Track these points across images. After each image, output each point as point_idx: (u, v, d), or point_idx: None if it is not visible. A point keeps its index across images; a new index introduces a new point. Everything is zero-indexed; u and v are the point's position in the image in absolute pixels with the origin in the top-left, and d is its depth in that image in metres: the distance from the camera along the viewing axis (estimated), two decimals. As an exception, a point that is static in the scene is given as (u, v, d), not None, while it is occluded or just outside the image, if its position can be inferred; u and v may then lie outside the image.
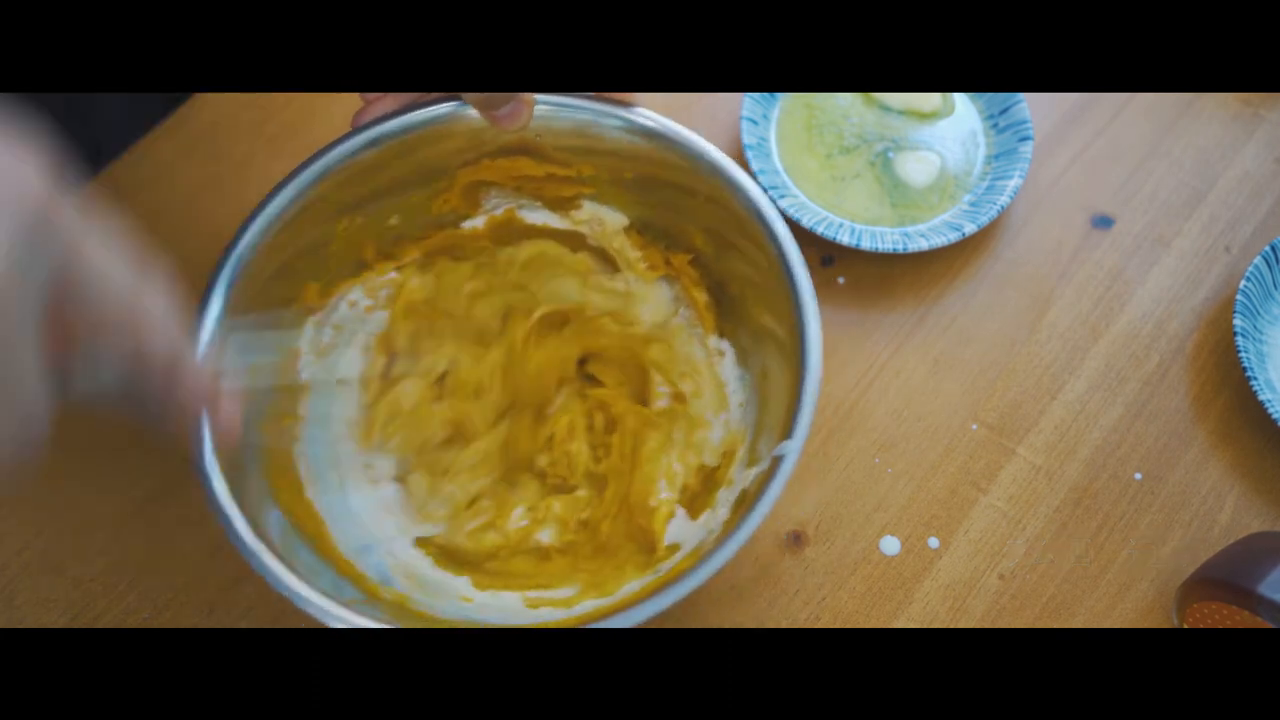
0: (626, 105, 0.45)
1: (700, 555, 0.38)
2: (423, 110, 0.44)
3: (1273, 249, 0.54)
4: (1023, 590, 0.49)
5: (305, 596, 0.36)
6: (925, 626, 0.48)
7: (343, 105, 0.59)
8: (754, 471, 0.41)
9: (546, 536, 0.48)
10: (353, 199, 0.46)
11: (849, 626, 0.48)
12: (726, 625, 0.48)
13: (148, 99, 0.59)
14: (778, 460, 0.39)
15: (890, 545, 0.50)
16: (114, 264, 0.28)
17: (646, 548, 0.46)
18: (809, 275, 0.42)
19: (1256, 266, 0.54)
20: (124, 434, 0.49)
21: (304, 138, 0.58)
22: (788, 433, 0.39)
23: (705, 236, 0.48)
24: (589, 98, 0.45)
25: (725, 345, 0.49)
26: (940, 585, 0.49)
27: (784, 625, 0.48)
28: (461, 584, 0.46)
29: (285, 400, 0.46)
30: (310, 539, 0.42)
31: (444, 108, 0.45)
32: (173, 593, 0.48)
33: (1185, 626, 0.47)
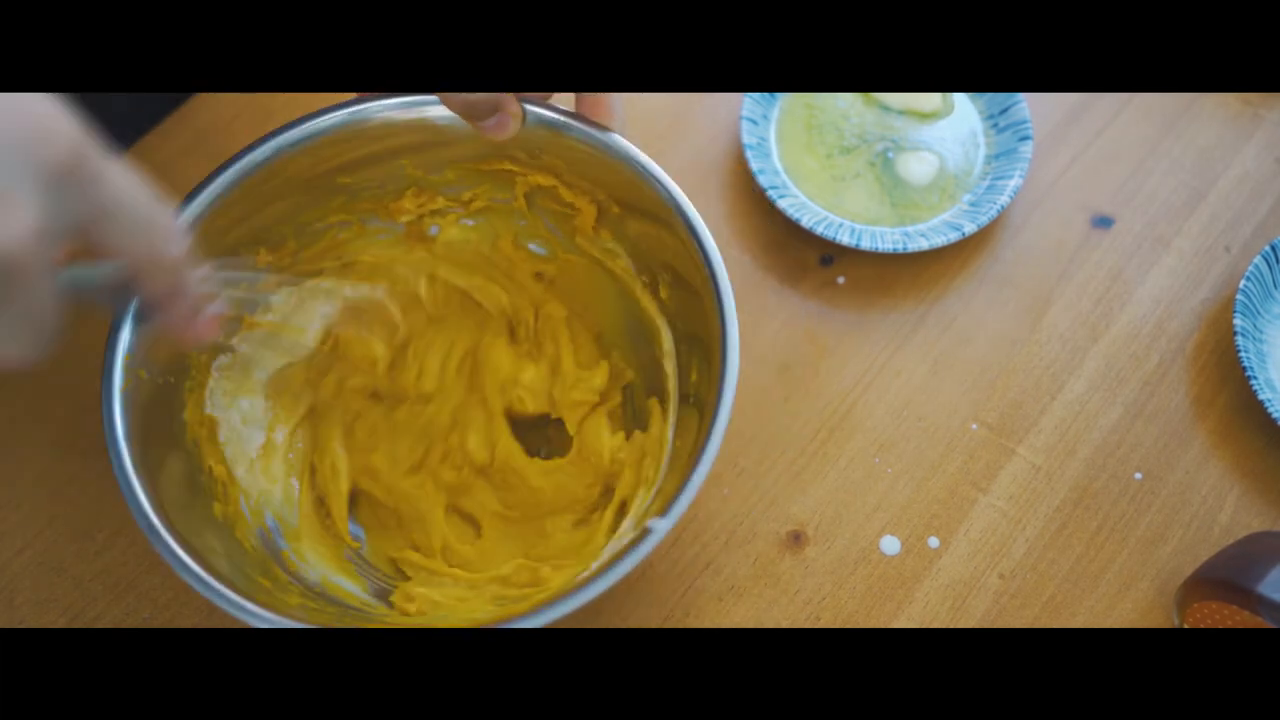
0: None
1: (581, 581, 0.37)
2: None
3: (1273, 249, 0.54)
4: (1023, 590, 0.49)
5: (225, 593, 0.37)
6: (925, 626, 0.48)
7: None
8: (626, 537, 0.42)
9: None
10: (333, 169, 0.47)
11: (849, 626, 0.48)
12: (726, 625, 0.48)
13: (148, 99, 0.59)
14: (645, 533, 0.37)
15: (890, 545, 0.50)
16: (136, 189, 0.30)
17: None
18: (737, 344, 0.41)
19: (1256, 266, 0.54)
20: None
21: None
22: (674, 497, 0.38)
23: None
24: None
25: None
26: (940, 585, 0.49)
27: (784, 625, 0.48)
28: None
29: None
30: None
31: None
32: (173, 593, 0.48)
33: (1185, 626, 0.47)
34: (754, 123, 0.58)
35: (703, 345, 0.44)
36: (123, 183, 0.29)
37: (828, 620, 0.48)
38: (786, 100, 0.60)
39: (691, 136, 0.61)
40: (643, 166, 0.44)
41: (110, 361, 0.40)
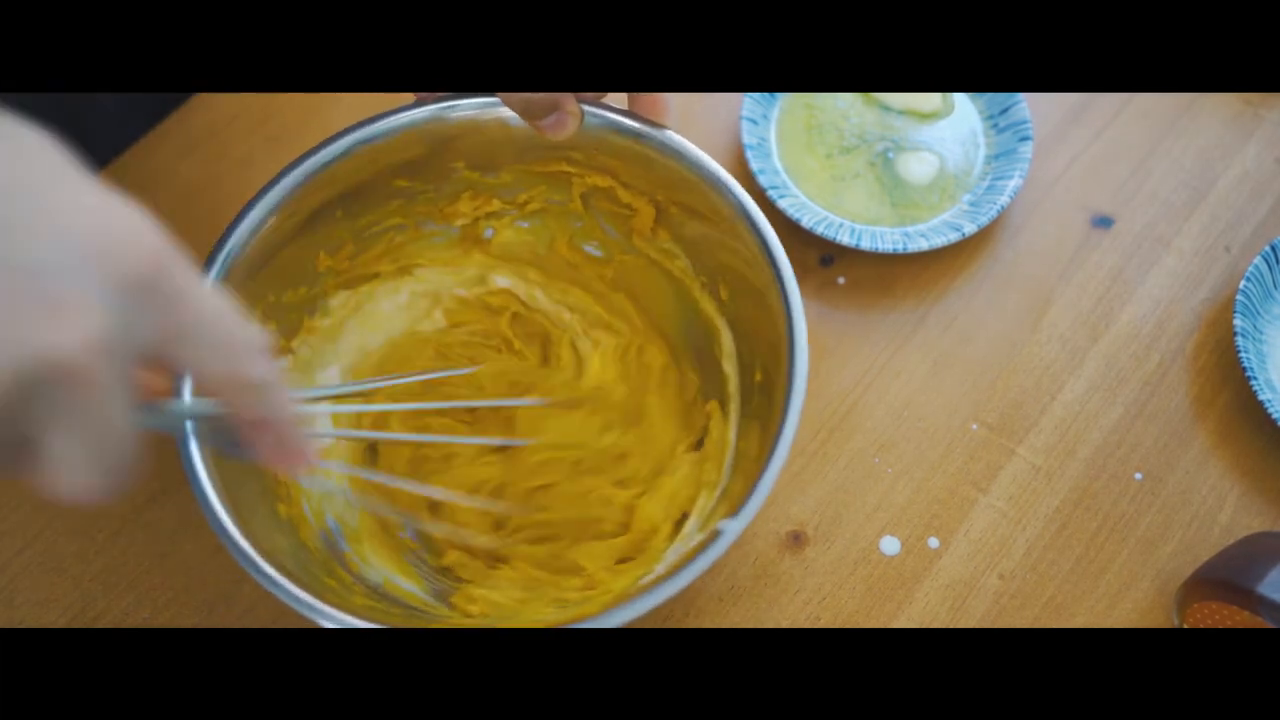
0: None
1: (633, 593, 0.37)
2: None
3: (1273, 249, 0.54)
4: (1023, 590, 0.49)
5: (302, 598, 0.36)
6: (925, 626, 0.48)
7: (343, 105, 0.59)
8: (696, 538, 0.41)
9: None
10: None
11: (849, 626, 0.48)
12: (726, 625, 0.48)
13: (148, 99, 0.59)
14: (715, 534, 0.37)
15: (890, 545, 0.50)
16: (220, 308, 0.28)
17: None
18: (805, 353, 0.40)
19: (1256, 266, 0.54)
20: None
21: (304, 138, 0.57)
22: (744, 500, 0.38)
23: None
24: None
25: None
26: (940, 585, 0.49)
27: (784, 625, 0.48)
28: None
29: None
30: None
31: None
32: (173, 593, 0.48)
33: (1185, 626, 0.47)
34: (754, 123, 0.58)
35: (767, 345, 0.44)
36: (207, 301, 0.28)
37: (828, 620, 0.48)
38: (786, 100, 0.60)
39: (691, 136, 0.60)
40: (702, 166, 0.44)
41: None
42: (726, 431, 0.47)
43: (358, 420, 0.49)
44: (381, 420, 0.49)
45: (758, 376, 0.46)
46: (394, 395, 0.49)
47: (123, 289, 0.26)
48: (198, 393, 0.35)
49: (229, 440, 0.32)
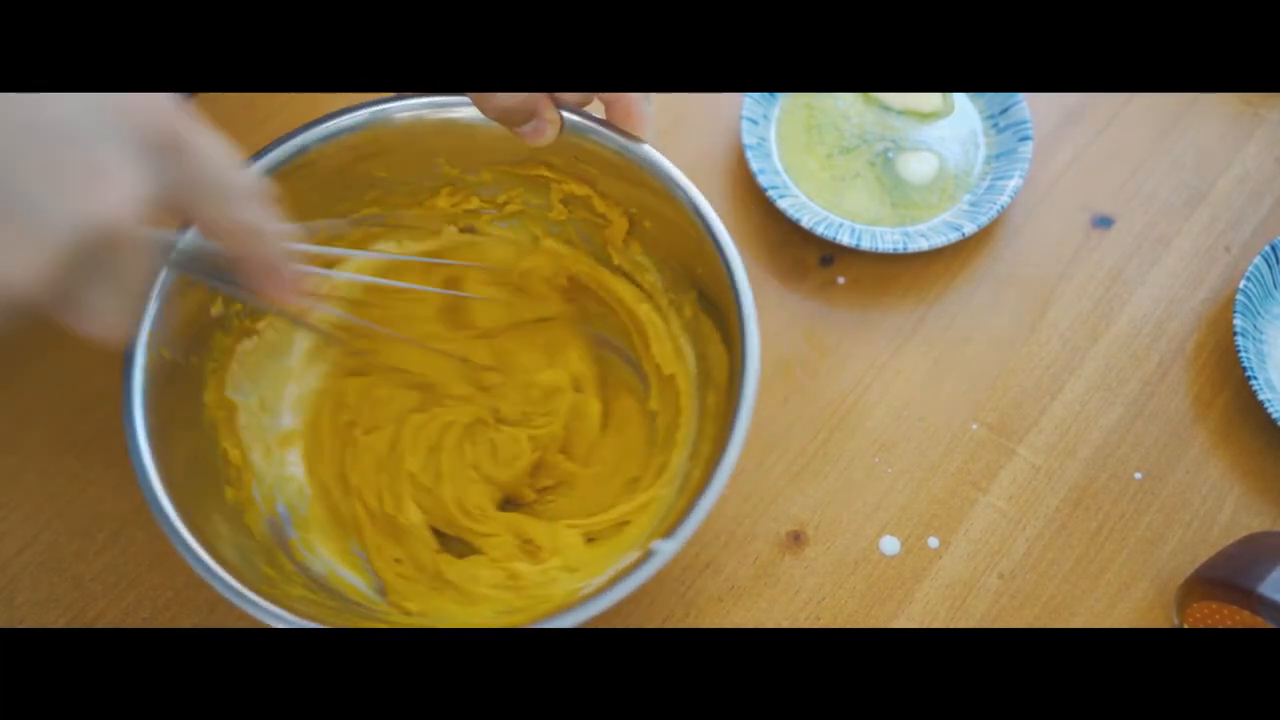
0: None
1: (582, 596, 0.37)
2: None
3: (1273, 249, 0.54)
4: (1023, 590, 0.49)
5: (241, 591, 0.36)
6: (925, 626, 0.48)
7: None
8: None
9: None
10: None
11: (849, 626, 0.48)
12: (726, 625, 0.48)
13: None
14: (649, 555, 0.37)
15: (890, 545, 0.50)
16: (224, 157, 0.31)
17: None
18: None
19: (1256, 266, 0.54)
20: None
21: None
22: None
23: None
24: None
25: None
26: (940, 585, 0.49)
27: (784, 625, 0.48)
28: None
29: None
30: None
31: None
32: (173, 593, 0.48)
33: (1185, 626, 0.47)
34: (754, 123, 0.58)
35: (722, 369, 0.44)
36: (212, 153, 0.30)
37: (828, 620, 0.48)
38: (786, 100, 0.60)
39: (692, 136, 0.61)
40: (673, 181, 0.43)
41: (134, 337, 0.40)
42: (682, 452, 0.47)
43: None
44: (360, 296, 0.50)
45: (710, 398, 0.46)
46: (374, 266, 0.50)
47: (148, 147, 0.27)
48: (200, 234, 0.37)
49: (228, 279, 0.35)
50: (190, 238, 0.36)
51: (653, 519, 0.45)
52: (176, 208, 0.30)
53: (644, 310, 0.50)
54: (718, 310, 0.44)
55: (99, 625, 0.47)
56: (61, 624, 0.47)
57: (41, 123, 0.26)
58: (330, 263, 0.49)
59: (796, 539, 0.50)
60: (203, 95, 0.60)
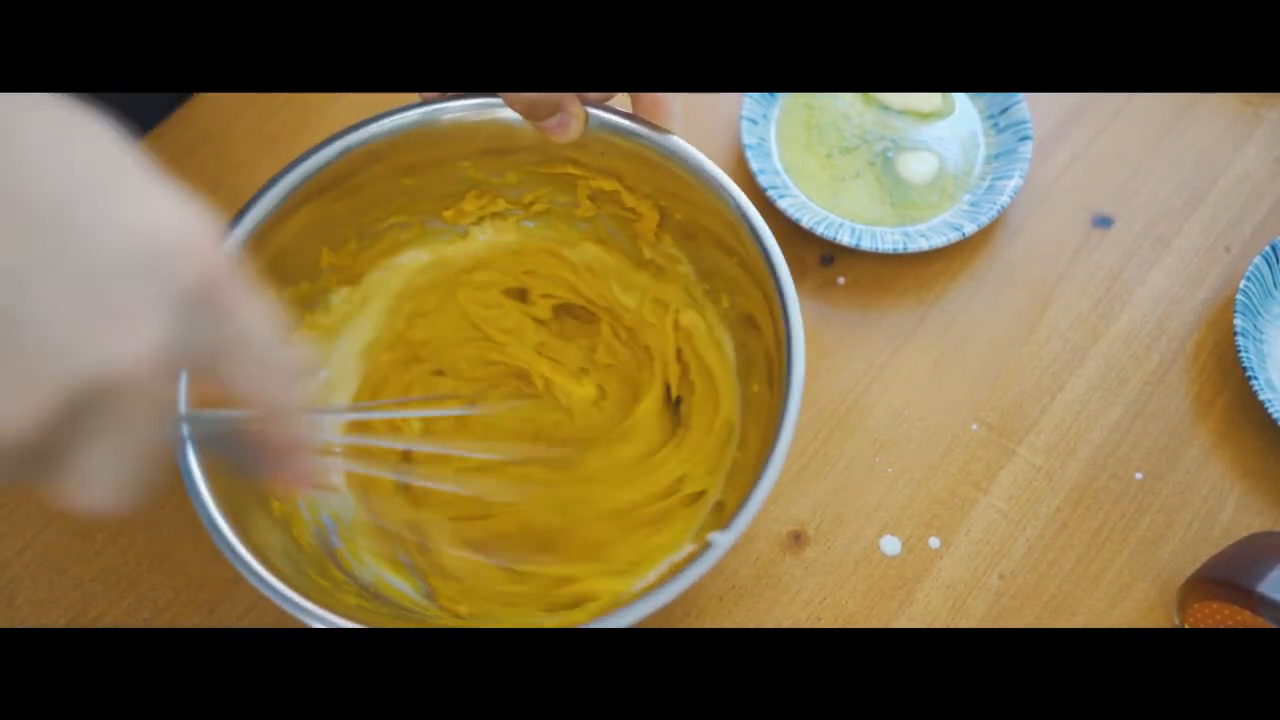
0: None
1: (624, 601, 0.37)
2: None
3: (1273, 249, 0.54)
4: (1023, 590, 0.49)
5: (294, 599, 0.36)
6: (925, 626, 0.48)
7: (343, 105, 0.59)
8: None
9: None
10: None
11: (849, 626, 0.48)
12: (726, 625, 0.48)
13: (148, 99, 0.59)
14: (706, 546, 0.37)
15: (890, 545, 0.50)
16: (269, 326, 0.28)
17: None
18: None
19: (1256, 266, 0.54)
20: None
21: (304, 138, 0.58)
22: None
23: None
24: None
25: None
26: (941, 585, 0.49)
27: (784, 625, 0.48)
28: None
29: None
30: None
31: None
32: (173, 593, 0.48)
33: (1186, 626, 0.47)
34: (754, 123, 0.58)
35: (764, 357, 0.44)
36: (254, 318, 0.27)
37: (828, 621, 0.48)
38: (786, 100, 0.60)
39: (691, 136, 0.60)
40: (704, 171, 0.43)
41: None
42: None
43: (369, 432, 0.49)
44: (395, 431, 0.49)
45: (754, 387, 0.46)
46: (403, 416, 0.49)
47: (182, 299, 0.25)
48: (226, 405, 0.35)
49: (237, 452, 0.32)
50: (216, 412, 0.33)
51: (699, 514, 0.45)
52: (207, 370, 0.27)
53: (689, 318, 0.49)
54: (756, 296, 0.44)
55: (99, 625, 0.47)
56: (61, 624, 0.47)
57: (81, 262, 0.23)
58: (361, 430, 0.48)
59: (797, 539, 0.50)
60: (202, 95, 0.60)
